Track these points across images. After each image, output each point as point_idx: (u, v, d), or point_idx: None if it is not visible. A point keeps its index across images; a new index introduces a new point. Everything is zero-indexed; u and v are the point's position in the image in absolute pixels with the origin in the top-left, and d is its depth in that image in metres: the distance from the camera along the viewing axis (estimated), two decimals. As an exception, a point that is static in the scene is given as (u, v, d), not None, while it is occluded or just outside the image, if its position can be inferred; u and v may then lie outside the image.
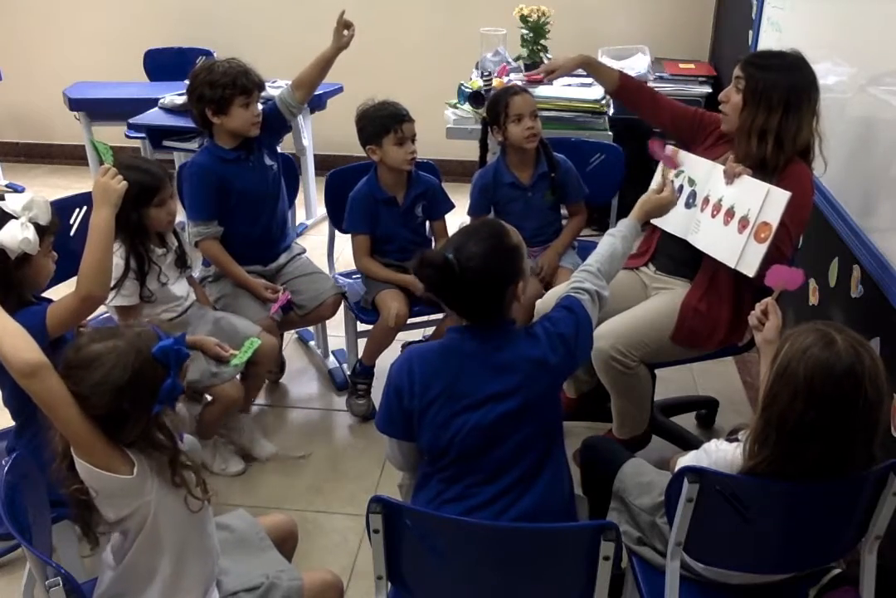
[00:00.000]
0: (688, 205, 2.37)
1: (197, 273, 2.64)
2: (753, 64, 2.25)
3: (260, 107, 2.71)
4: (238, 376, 2.54)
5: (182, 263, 2.52)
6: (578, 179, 2.96)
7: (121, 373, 1.42)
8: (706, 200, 2.31)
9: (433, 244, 2.96)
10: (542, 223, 2.93)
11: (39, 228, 1.83)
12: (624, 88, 2.69)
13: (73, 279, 2.30)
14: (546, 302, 2.54)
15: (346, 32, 2.78)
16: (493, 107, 2.84)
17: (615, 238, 1.97)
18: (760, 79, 2.21)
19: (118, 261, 2.31)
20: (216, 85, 2.59)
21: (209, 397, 2.53)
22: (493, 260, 1.65)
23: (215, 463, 2.64)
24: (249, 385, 2.66)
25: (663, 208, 2.12)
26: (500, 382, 1.68)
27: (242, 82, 2.60)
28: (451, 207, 2.97)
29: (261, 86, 2.69)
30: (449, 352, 1.72)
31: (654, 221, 2.49)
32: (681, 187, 2.40)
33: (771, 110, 2.18)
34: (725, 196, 2.25)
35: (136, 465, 1.44)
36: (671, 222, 2.43)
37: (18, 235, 1.78)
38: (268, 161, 2.80)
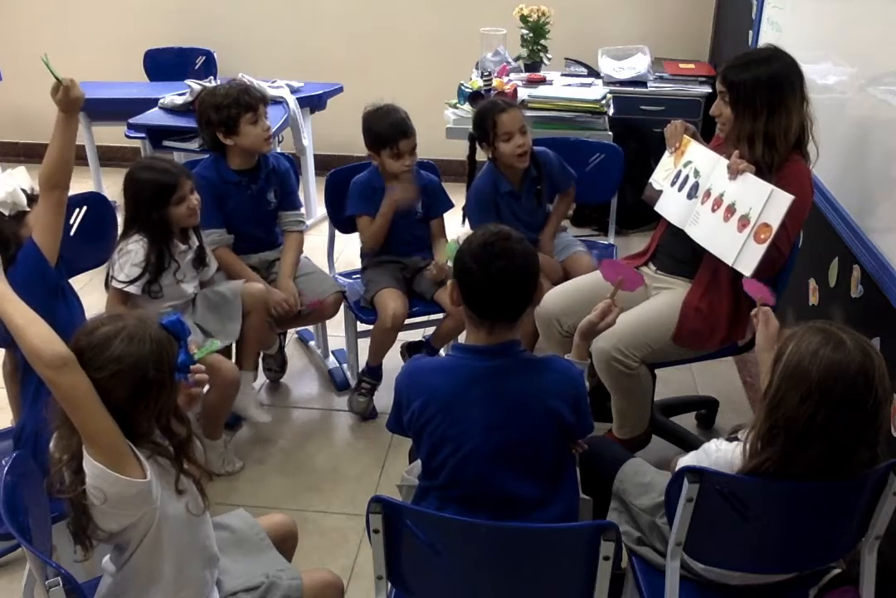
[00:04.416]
0: (690, 196, 2.38)
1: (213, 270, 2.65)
2: (729, 70, 2.25)
3: (269, 122, 2.72)
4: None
5: (199, 262, 2.53)
6: (563, 167, 2.94)
7: (138, 345, 1.42)
8: (707, 194, 2.32)
9: (432, 244, 2.97)
10: (531, 221, 2.93)
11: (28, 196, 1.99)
12: None
13: (78, 277, 2.30)
14: (561, 293, 2.54)
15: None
16: (480, 124, 2.79)
17: None
18: (741, 81, 2.20)
19: (140, 250, 2.35)
20: (220, 107, 2.63)
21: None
22: (529, 245, 1.65)
23: (222, 465, 2.63)
24: (244, 345, 2.65)
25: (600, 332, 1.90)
26: (498, 411, 1.63)
27: (245, 100, 2.63)
28: (450, 206, 2.98)
29: (265, 100, 2.72)
30: (450, 371, 1.68)
31: (656, 208, 2.49)
32: (686, 177, 2.41)
33: (756, 114, 2.18)
34: (727, 192, 2.25)
35: (149, 468, 1.43)
36: (672, 212, 2.44)
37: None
38: (271, 197, 2.82)
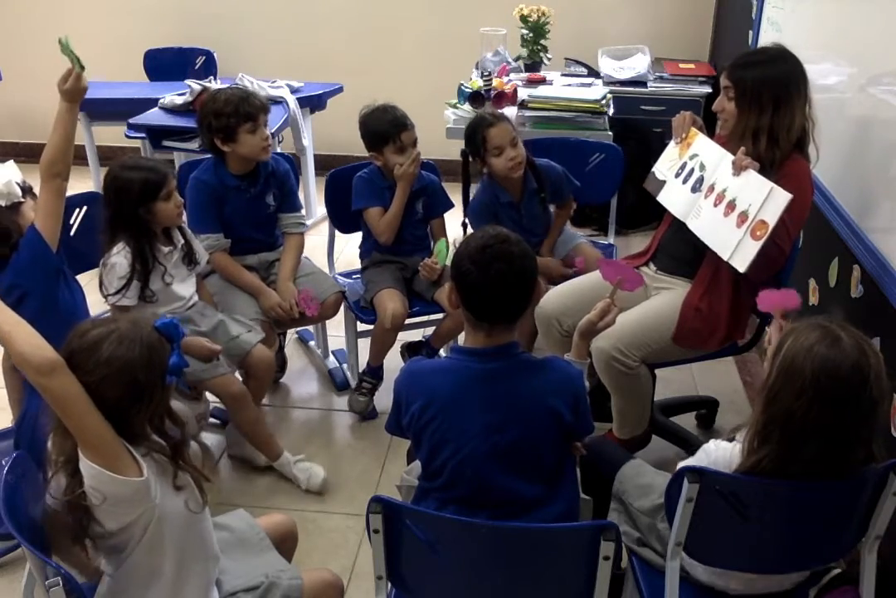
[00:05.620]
0: (694, 189, 2.38)
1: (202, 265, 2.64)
2: (737, 66, 2.26)
3: (268, 130, 2.72)
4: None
5: (190, 259, 2.51)
6: (566, 177, 2.94)
7: (128, 348, 1.42)
8: (711, 188, 2.32)
9: (432, 244, 2.97)
10: (534, 228, 2.92)
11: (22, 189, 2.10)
12: None
13: (78, 277, 2.30)
14: (560, 293, 2.54)
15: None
16: (470, 140, 2.80)
17: None
18: (747, 79, 2.21)
19: (123, 261, 2.31)
20: (221, 114, 2.61)
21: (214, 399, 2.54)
22: (527, 247, 1.65)
23: (300, 480, 2.59)
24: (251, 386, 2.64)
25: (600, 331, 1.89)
26: (497, 412, 1.63)
27: (245, 110, 2.62)
28: (450, 205, 2.98)
29: (265, 109, 2.70)
30: (449, 373, 1.68)
31: (659, 199, 2.49)
32: (691, 170, 2.41)
33: (762, 110, 2.19)
34: (730, 187, 2.26)
35: (145, 466, 1.44)
36: (675, 204, 2.43)
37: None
38: (269, 200, 2.81)
